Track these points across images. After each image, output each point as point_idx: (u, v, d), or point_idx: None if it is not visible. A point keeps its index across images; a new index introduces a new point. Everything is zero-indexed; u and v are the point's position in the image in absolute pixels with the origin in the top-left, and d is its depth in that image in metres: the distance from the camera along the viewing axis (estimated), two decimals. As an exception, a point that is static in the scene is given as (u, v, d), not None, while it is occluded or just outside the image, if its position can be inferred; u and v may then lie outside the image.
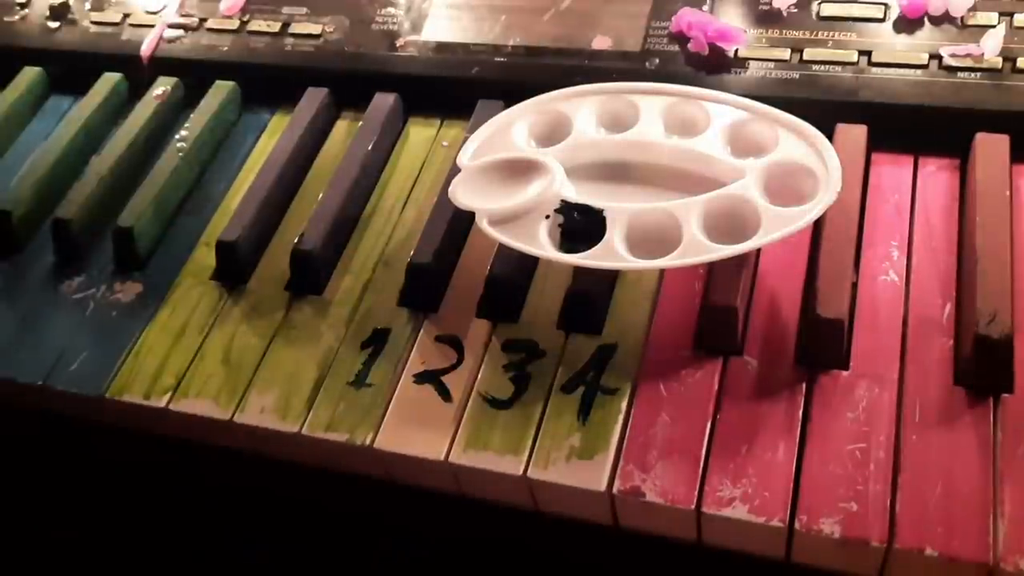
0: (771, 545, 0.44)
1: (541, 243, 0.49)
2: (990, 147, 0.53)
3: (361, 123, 0.62)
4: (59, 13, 0.73)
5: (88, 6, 0.72)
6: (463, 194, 0.52)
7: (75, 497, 0.64)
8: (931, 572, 0.41)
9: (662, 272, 0.52)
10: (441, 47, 0.64)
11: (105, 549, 0.64)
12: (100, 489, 0.63)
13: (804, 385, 0.47)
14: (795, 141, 0.51)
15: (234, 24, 0.69)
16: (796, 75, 0.57)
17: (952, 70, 0.55)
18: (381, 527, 0.57)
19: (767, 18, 0.60)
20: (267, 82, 0.67)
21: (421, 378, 0.50)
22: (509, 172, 0.53)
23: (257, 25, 0.68)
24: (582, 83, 0.56)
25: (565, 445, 0.46)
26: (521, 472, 0.46)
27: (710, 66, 0.59)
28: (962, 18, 0.57)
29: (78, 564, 0.64)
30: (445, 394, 0.49)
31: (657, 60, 0.60)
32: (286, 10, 0.69)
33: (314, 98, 0.64)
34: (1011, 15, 0.57)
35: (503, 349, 0.50)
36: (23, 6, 0.74)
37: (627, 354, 0.49)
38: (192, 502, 0.61)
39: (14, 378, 0.54)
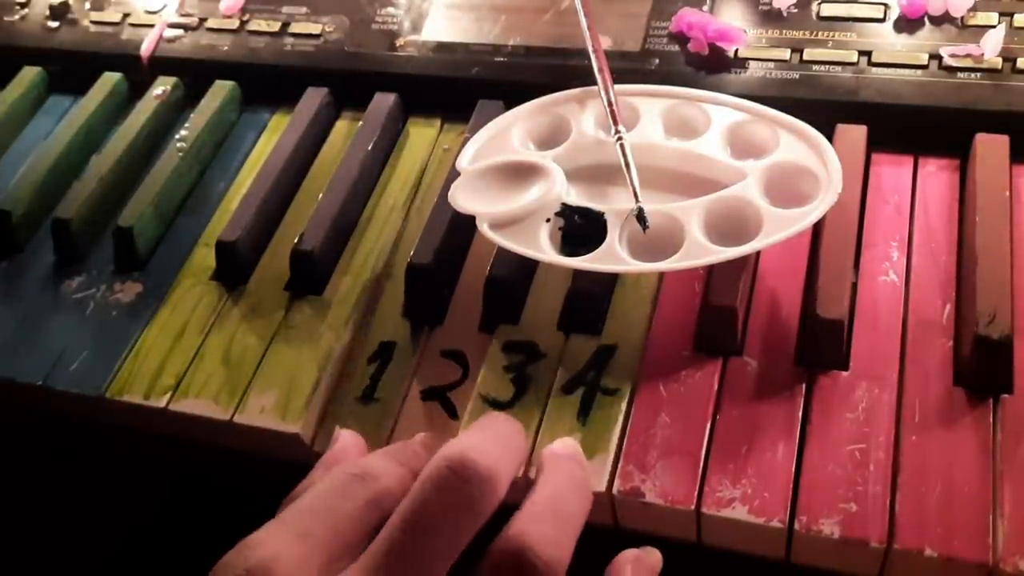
0: (771, 545, 0.44)
1: (542, 246, 0.49)
2: (990, 147, 0.53)
3: (361, 123, 0.62)
4: (59, 13, 0.73)
5: (88, 6, 0.72)
6: (463, 198, 0.52)
7: (75, 496, 0.64)
8: (931, 572, 0.41)
9: (662, 273, 0.52)
10: (441, 47, 0.64)
11: (104, 548, 0.64)
12: (100, 488, 0.63)
13: (804, 386, 0.47)
14: (795, 142, 0.51)
15: (234, 24, 0.69)
16: (796, 75, 0.57)
17: (952, 70, 0.55)
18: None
19: (767, 18, 0.60)
20: (267, 82, 0.67)
21: (427, 395, 0.50)
22: (509, 175, 0.53)
23: (257, 25, 0.68)
24: (582, 84, 0.56)
25: (565, 445, 0.46)
26: (521, 473, 0.46)
27: (710, 66, 0.59)
28: (962, 18, 0.57)
29: (78, 563, 0.64)
30: (451, 411, 0.49)
31: (657, 60, 0.60)
32: (286, 10, 0.69)
33: (314, 98, 0.64)
34: (1011, 15, 0.57)
35: (503, 351, 0.50)
36: (23, 6, 0.74)
37: (627, 355, 0.49)
38: (192, 501, 0.62)
39: (14, 378, 0.54)
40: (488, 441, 0.40)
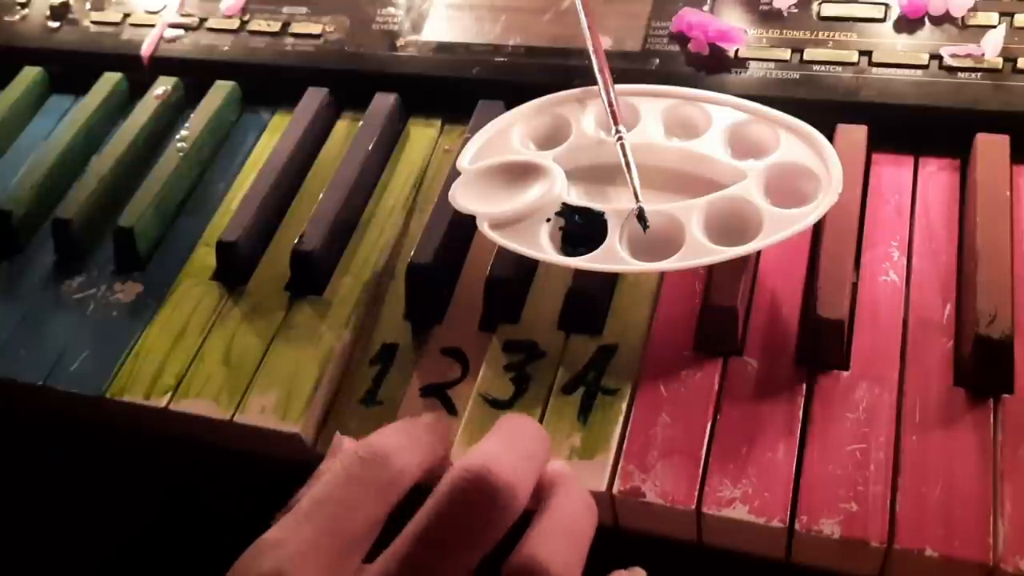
0: (771, 545, 0.44)
1: (542, 246, 0.49)
2: (990, 147, 0.53)
3: (361, 123, 0.62)
4: (59, 13, 0.73)
5: (88, 6, 0.72)
6: (463, 198, 0.52)
7: (75, 496, 0.64)
8: (931, 572, 0.41)
9: (662, 273, 0.52)
10: (441, 47, 0.64)
11: (104, 548, 0.64)
12: (100, 488, 0.63)
13: (804, 385, 0.47)
14: (796, 142, 0.51)
15: (234, 24, 0.69)
16: (796, 75, 0.57)
17: (952, 70, 0.55)
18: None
19: (767, 18, 0.60)
20: (267, 82, 0.67)
21: (427, 392, 0.50)
22: (509, 175, 0.53)
23: (257, 25, 0.68)
24: (582, 84, 0.56)
25: (566, 445, 0.46)
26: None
27: (710, 66, 0.59)
28: (962, 18, 0.57)
29: (78, 563, 0.64)
30: (451, 409, 0.49)
31: (657, 60, 0.60)
32: (286, 10, 0.69)
33: (314, 98, 0.64)
34: (1011, 15, 0.57)
35: (503, 350, 0.50)
36: (23, 6, 0.74)
37: (627, 355, 0.49)
38: (192, 501, 0.61)
39: (14, 378, 0.54)
40: (509, 451, 0.39)
